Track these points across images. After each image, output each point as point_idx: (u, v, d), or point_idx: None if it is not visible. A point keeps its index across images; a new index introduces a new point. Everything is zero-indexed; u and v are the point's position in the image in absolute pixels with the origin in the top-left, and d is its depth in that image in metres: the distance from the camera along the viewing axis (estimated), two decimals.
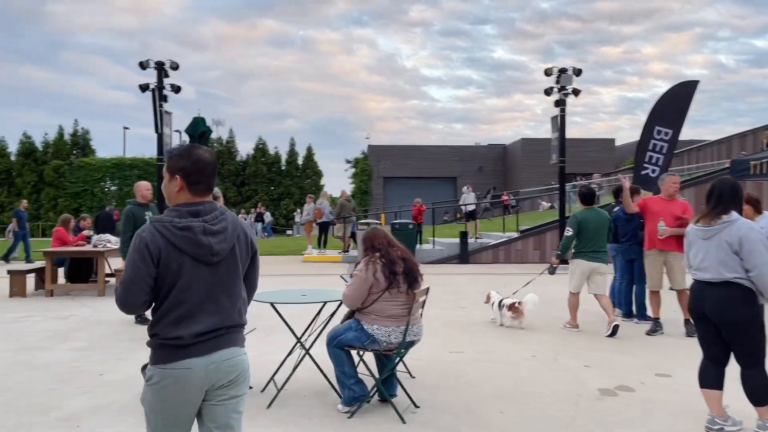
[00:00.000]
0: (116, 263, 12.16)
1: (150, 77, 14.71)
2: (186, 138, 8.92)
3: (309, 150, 39.98)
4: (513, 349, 6.47)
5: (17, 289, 10.11)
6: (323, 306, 4.80)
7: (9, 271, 10.28)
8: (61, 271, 11.23)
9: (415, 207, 19.43)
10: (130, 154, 39.72)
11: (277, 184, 38.95)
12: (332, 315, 4.83)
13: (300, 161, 39.55)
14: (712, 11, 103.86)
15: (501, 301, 7.71)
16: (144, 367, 2.43)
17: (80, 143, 37.86)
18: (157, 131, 14.43)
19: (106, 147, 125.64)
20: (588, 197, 7.46)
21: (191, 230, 2.27)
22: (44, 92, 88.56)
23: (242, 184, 38.39)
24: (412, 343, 4.40)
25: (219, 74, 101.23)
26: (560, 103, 15.76)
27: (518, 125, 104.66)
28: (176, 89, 14.66)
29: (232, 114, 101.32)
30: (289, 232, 35.50)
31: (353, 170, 42.25)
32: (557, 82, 15.51)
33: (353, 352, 4.43)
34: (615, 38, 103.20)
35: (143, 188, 7.87)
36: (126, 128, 44.06)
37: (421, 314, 4.59)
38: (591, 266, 7.15)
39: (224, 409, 2.36)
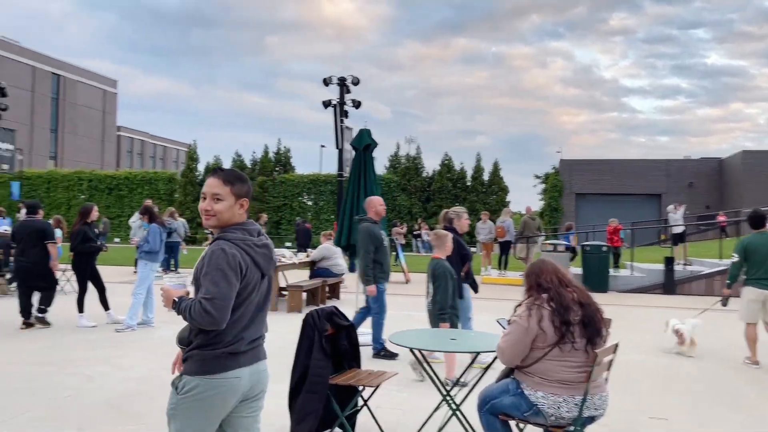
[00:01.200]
0: (291, 277, 12.30)
1: (334, 93, 14.88)
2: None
3: (495, 166, 38.83)
4: (733, 417, 4.89)
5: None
6: (477, 356, 3.84)
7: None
8: None
9: (610, 227, 17.41)
10: (325, 171, 41.99)
11: (461, 200, 38.36)
12: (487, 368, 3.85)
13: (486, 177, 38.57)
14: None
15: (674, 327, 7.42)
16: (178, 380, 2.39)
17: (282, 160, 40.81)
18: (337, 147, 14.50)
19: (304, 164, 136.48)
20: (756, 221, 7.00)
21: (267, 247, 2.49)
22: (259, 115, 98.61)
23: (427, 200, 38.42)
24: (591, 419, 3.26)
25: (413, 94, 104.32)
26: None
27: (736, 137, 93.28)
28: (357, 104, 14.63)
29: (423, 131, 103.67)
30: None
31: (542, 186, 40.25)
32: None
33: (511, 422, 3.41)
34: None
35: (377, 204, 6.96)
36: (323, 146, 46.70)
37: (606, 380, 3.42)
38: (764, 294, 6.73)
39: (252, 421, 2.48)
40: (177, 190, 41.18)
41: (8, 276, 11.59)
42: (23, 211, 16.18)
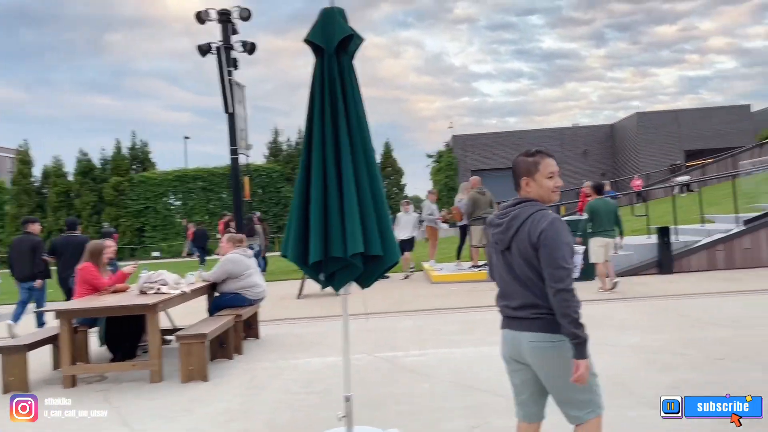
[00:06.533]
0: (179, 317, 7.75)
1: (214, 35, 10.33)
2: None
3: (387, 146, 35.45)
4: None
5: (14, 379, 5.74)
6: None
7: (0, 347, 5.89)
8: (95, 334, 6.89)
9: (584, 190, 14.37)
10: (192, 165, 36.30)
11: None
12: None
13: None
14: None
15: None
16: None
17: (139, 156, 34.59)
18: (226, 110, 9.99)
19: (166, 164, 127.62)
20: (598, 188, 9.73)
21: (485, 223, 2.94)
22: (108, 118, 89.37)
23: None
24: None
25: (272, 86, 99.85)
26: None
27: (574, 114, 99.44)
28: (250, 48, 10.21)
29: (291, 126, 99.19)
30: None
31: (434, 165, 37.58)
32: None
33: None
34: (670, 16, 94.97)
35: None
36: (186, 137, 40.86)
37: None
38: (605, 241, 9.28)
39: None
40: (8, 201, 33.61)
41: None
42: None
